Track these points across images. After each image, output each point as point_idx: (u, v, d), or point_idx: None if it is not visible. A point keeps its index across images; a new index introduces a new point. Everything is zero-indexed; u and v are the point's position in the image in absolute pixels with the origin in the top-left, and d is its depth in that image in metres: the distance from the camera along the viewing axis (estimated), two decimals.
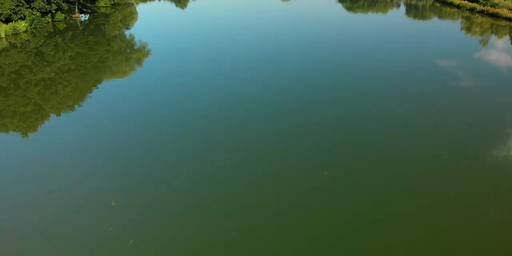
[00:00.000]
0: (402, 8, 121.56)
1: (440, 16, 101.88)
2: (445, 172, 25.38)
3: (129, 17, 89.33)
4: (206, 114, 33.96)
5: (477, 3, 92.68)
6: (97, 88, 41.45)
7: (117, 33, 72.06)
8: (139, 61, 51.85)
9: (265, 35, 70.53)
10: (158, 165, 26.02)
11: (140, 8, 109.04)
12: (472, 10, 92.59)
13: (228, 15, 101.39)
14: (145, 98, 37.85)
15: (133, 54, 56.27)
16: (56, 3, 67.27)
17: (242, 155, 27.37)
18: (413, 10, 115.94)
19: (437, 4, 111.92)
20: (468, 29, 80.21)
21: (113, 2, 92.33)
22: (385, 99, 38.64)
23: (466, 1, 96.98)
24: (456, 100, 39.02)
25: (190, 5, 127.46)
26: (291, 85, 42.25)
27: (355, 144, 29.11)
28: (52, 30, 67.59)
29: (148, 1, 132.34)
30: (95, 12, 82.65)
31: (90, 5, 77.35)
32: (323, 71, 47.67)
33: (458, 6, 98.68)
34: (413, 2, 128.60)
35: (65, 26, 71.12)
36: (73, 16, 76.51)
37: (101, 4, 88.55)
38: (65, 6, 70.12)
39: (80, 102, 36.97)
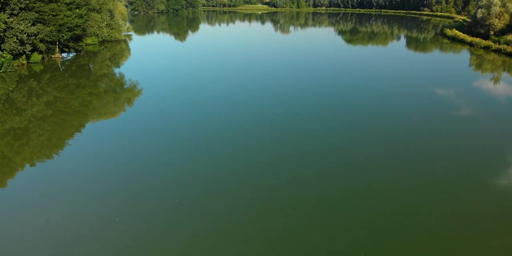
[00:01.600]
0: (403, 40, 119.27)
1: (442, 49, 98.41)
2: (447, 201, 24.45)
3: (120, 55, 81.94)
4: (204, 159, 30.01)
5: (490, 41, 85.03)
6: (80, 133, 36.96)
7: (106, 72, 65.44)
8: (129, 101, 47.20)
9: (265, 68, 67.53)
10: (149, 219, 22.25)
11: (136, 41, 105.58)
12: (486, 48, 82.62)
13: (228, 47, 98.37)
14: (134, 141, 33.92)
15: (122, 93, 51.48)
16: (31, 43, 58.46)
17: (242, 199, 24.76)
18: (414, 43, 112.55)
19: (446, 40, 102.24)
20: (478, 66, 73.08)
21: (101, 40, 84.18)
22: (385, 127, 38.01)
23: (478, 39, 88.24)
24: (456, 129, 37.82)
25: (189, 37, 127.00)
26: (292, 114, 41.64)
27: (354, 172, 28.41)
28: (26, 73, 58.82)
29: (146, 34, 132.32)
30: (79, 51, 74.39)
31: (73, 44, 68.60)
32: (323, 100, 47.42)
33: (471, 44, 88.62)
34: (414, 35, 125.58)
35: (42, 68, 62.39)
36: (53, 56, 67.61)
37: (88, 41, 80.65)
38: (42, 46, 61.23)
39: (59, 151, 32.16)
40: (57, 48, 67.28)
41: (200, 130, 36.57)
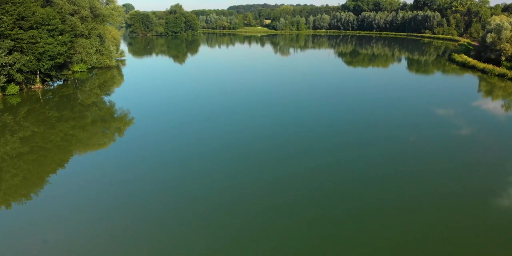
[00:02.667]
0: (404, 63, 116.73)
1: (445, 71, 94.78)
2: (449, 222, 24.20)
3: (110, 82, 76.27)
4: (200, 192, 28.55)
5: (504, 67, 79.77)
6: (64, 168, 33.85)
7: (94, 101, 60.31)
8: (120, 131, 44.46)
9: (265, 91, 67.28)
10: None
11: (132, 65, 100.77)
12: (501, 76, 76.60)
13: (228, 70, 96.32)
14: (125, 174, 31.79)
15: (112, 123, 48.31)
16: (6, 74, 52.61)
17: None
18: (415, 65, 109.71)
19: (454, 66, 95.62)
20: (489, 92, 68.07)
21: (90, 66, 78.57)
22: (387, 146, 38.24)
23: (491, 66, 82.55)
24: (464, 155, 36.90)
25: (188, 59, 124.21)
26: (293, 134, 41.93)
27: (355, 190, 28.59)
28: (1, 107, 52.55)
29: (144, 57, 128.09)
30: (65, 81, 68.70)
31: (55, 73, 62.79)
32: (323, 120, 47.98)
33: (483, 71, 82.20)
34: (416, 57, 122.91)
35: (19, 100, 56.15)
36: (33, 87, 61.59)
37: (76, 68, 75.12)
38: (19, 77, 55.28)
39: (38, 189, 29.29)
40: (37, 78, 61.29)
41: (198, 159, 34.79)
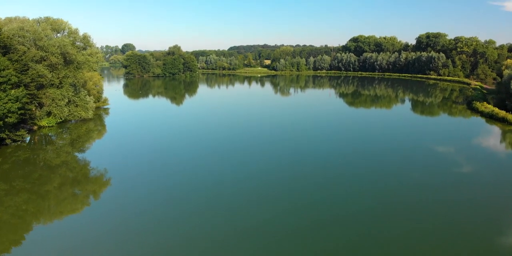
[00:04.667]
0: (408, 103, 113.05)
1: (451, 114, 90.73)
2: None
3: (85, 136, 63.89)
4: None
5: None
6: (20, 244, 28.02)
7: (63, 161, 50.41)
8: (95, 194, 38.68)
9: (265, 133, 65.62)
10: None
11: (121, 111, 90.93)
12: None
13: (227, 112, 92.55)
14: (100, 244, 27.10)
15: (86, 186, 41.84)
16: None
17: None
18: (420, 107, 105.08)
19: (476, 115, 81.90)
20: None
21: (60, 120, 66.24)
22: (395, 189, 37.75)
23: None
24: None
25: (186, 101, 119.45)
26: (294, 176, 41.27)
27: (358, 230, 28.79)
28: None
29: (141, 98, 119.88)
30: (30, 139, 56.51)
31: (9, 133, 50.40)
32: (324, 159, 47.70)
33: None
34: (420, 99, 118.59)
35: None
36: None
37: (43, 123, 62.84)
38: None
39: None
40: None
41: (188, 224, 30.78)
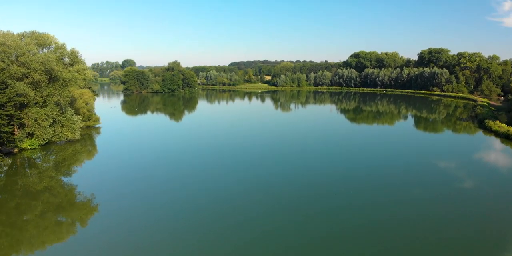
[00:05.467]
0: (410, 120, 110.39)
1: (455, 130, 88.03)
2: None
3: (72, 159, 58.71)
4: None
5: None
6: None
7: (46, 186, 45.74)
8: (81, 221, 35.26)
9: (265, 149, 63.27)
10: None
11: (115, 129, 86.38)
12: None
13: (227, 128, 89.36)
14: None
15: (71, 212, 38.58)
16: None
17: None
18: (423, 123, 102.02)
19: (490, 135, 76.53)
20: None
21: (44, 142, 60.94)
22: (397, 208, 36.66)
23: None
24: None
25: (185, 117, 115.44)
26: (296, 196, 39.97)
27: (360, 246, 28.70)
28: None
29: (137, 115, 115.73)
30: (13, 164, 51.29)
31: None
32: (326, 175, 47.12)
33: None
34: (424, 115, 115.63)
35: None
36: None
37: (25, 145, 57.61)
38: None
39: None
40: None
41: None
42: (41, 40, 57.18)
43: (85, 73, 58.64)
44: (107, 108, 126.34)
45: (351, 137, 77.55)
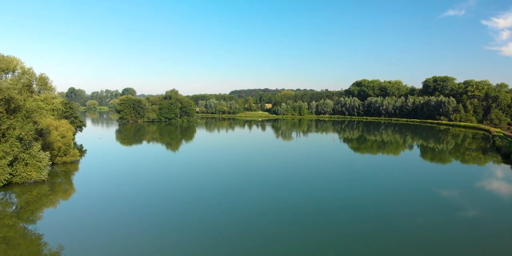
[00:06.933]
0: (416, 150, 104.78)
1: (464, 161, 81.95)
2: None
3: (37, 203, 48.37)
4: None
5: None
6: None
7: (4, 237, 37.47)
8: None
9: (265, 179, 60.72)
10: None
11: (104, 160, 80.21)
12: None
13: (227, 159, 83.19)
14: None
15: None
16: None
17: None
18: (430, 153, 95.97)
19: None
20: None
21: (2, 184, 50.49)
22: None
23: None
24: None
25: (182, 147, 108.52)
26: (298, 227, 38.11)
27: None
28: None
29: (130, 146, 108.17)
30: None
31: None
32: (328, 206, 45.42)
33: None
34: (431, 145, 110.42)
35: None
36: None
37: None
38: None
39: None
40: None
41: None
42: (2, 64, 48.10)
43: (53, 102, 49.02)
44: (95, 139, 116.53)
45: (355, 167, 73.74)
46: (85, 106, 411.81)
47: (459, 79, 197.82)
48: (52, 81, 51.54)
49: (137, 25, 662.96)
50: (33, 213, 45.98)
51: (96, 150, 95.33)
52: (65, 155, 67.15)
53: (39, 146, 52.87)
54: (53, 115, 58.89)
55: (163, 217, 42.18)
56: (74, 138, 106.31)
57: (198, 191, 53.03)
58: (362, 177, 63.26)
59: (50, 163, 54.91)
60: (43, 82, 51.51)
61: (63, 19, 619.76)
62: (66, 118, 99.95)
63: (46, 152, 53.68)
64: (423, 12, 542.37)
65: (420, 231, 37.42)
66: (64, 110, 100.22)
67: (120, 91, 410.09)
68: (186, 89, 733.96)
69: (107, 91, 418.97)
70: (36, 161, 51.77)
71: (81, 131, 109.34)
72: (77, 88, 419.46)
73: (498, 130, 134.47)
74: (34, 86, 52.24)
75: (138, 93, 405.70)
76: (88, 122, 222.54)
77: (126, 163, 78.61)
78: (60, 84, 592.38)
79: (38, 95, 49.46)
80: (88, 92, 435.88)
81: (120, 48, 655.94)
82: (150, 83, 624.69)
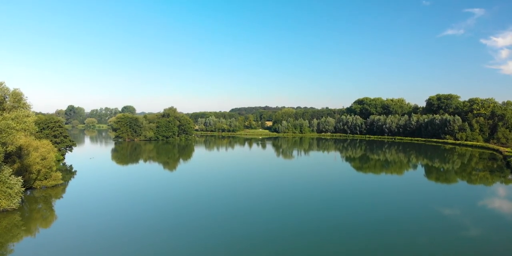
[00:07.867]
0: (421, 169, 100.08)
1: (470, 181, 78.55)
2: None
3: (7, 235, 42.23)
4: None
5: None
6: None
7: None
8: None
9: (265, 199, 58.26)
10: None
11: (92, 182, 73.38)
12: None
13: (225, 179, 79.53)
14: None
15: None
16: None
17: None
18: (435, 173, 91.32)
19: None
20: None
21: None
22: None
23: None
24: None
25: (180, 166, 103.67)
26: (295, 240, 38.77)
27: None
28: None
29: (129, 164, 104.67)
30: None
31: None
32: (332, 225, 44.50)
33: None
34: (436, 165, 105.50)
35: None
36: None
37: None
38: None
39: None
40: None
41: None
42: None
43: (25, 121, 42.93)
44: (86, 159, 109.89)
45: (357, 186, 72.07)
46: (84, 124, 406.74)
47: (461, 97, 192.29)
48: (27, 97, 45.75)
49: (138, 42, 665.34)
50: (2, 246, 39.65)
51: (87, 171, 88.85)
52: (45, 178, 60.68)
53: (10, 170, 46.55)
54: (25, 136, 52.75)
55: (160, 249, 35.98)
56: (64, 158, 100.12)
57: (197, 216, 48.67)
58: (365, 196, 61.95)
59: (27, 188, 48.45)
60: (17, 98, 45.67)
61: (63, 36, 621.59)
62: (55, 137, 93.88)
63: (19, 177, 47.28)
64: (422, 31, 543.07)
65: (424, 249, 36.90)
66: (53, 128, 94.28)
67: (120, 109, 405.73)
68: (187, 107, 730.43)
69: (106, 109, 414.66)
70: (6, 187, 45.37)
71: (71, 151, 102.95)
72: (76, 106, 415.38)
73: (508, 149, 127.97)
74: (8, 102, 46.39)
75: (138, 111, 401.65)
76: (86, 140, 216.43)
77: (119, 185, 72.04)
78: (61, 102, 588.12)
79: (8, 113, 43.40)
80: (87, 110, 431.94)
81: (120, 66, 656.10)
82: (151, 101, 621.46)
